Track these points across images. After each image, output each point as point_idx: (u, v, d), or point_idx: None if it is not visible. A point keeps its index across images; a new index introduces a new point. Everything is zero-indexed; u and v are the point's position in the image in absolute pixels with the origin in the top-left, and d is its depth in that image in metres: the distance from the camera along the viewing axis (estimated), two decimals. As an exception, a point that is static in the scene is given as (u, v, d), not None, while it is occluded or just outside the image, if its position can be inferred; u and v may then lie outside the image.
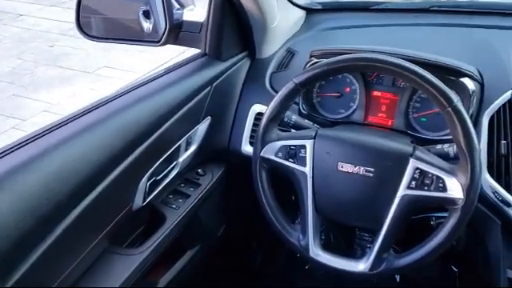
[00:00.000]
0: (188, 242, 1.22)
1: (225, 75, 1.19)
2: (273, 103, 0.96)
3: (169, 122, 1.02)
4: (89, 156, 0.83)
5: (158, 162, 1.02)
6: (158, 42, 1.15)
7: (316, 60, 1.10)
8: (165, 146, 1.03)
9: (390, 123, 1.12)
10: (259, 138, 0.97)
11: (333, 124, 1.12)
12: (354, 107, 1.16)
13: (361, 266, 0.91)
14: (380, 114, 1.14)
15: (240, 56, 1.25)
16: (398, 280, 1.67)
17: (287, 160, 0.96)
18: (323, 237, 1.81)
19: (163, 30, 1.12)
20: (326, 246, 1.47)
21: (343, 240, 1.66)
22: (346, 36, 1.34)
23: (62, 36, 4.35)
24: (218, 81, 1.16)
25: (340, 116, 1.17)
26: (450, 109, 0.82)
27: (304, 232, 0.95)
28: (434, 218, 1.05)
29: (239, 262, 1.66)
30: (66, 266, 0.85)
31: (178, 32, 1.18)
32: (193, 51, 1.23)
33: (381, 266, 0.89)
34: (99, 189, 0.86)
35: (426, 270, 1.63)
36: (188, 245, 1.23)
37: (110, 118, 0.90)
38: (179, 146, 1.08)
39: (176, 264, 1.18)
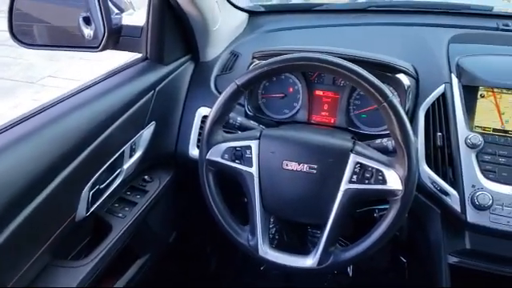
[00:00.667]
0: (138, 249, 1.20)
1: (168, 79, 1.18)
2: (216, 105, 0.96)
3: (110, 129, 0.99)
4: (24, 167, 0.80)
5: (101, 170, 0.99)
6: (97, 47, 1.12)
7: (258, 61, 1.12)
8: (107, 153, 1.01)
9: (332, 121, 1.15)
10: (204, 141, 0.97)
11: (278, 124, 1.13)
12: (298, 107, 1.18)
13: (309, 261, 0.92)
14: (323, 113, 1.16)
15: (183, 59, 1.24)
16: (350, 274, 1.71)
17: (233, 161, 0.96)
18: (277, 236, 1.83)
19: (102, 35, 1.10)
20: (280, 245, 1.49)
21: (296, 238, 1.68)
22: (288, 37, 1.36)
23: (1, 46, 4.17)
24: (160, 85, 1.15)
25: (285, 116, 1.19)
26: (385, 104, 0.85)
27: (253, 232, 0.95)
28: (377, 211, 1.08)
29: (194, 266, 1.64)
30: (6, 282, 0.81)
31: (117, 37, 1.15)
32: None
33: (328, 260, 0.91)
34: (38, 200, 0.82)
35: (377, 262, 1.68)
36: (138, 253, 1.20)
37: (46, 127, 0.87)
38: (123, 152, 1.06)
39: (127, 273, 1.16)
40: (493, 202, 0.96)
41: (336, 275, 1.77)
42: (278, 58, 0.90)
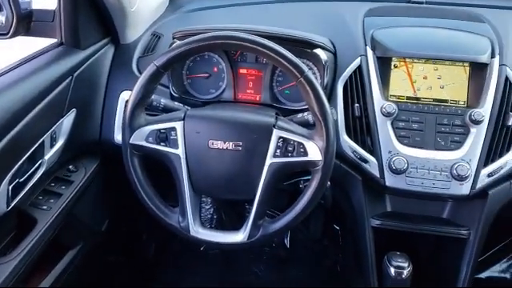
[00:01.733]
0: (68, 241, 1.17)
1: (86, 64, 1.14)
2: (135, 88, 0.94)
3: (26, 118, 0.95)
4: None
5: (20, 163, 0.95)
6: (7, 34, 1.06)
7: (178, 42, 1.10)
8: (25, 144, 0.96)
9: (258, 98, 1.17)
10: (126, 125, 0.95)
11: (205, 104, 1.14)
12: (224, 86, 1.18)
13: (239, 236, 0.94)
14: (248, 91, 1.18)
15: (102, 43, 1.20)
16: (288, 245, 1.78)
17: (158, 144, 0.96)
18: (215, 216, 1.86)
19: (11, 21, 1.04)
20: (219, 224, 1.51)
21: (235, 216, 1.71)
22: (210, 16, 1.35)
23: None
24: (79, 70, 1.11)
25: (211, 96, 1.19)
26: (301, 79, 0.87)
27: (183, 213, 0.96)
28: (302, 182, 1.12)
29: (132, 254, 1.62)
30: None
31: (28, 22, 1.10)
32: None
33: (257, 233, 0.93)
34: None
35: (312, 232, 1.75)
36: (69, 244, 1.17)
37: None
38: (43, 142, 1.02)
39: (57, 265, 1.13)
40: (408, 166, 1.03)
41: (274, 248, 1.83)
42: (196, 37, 0.90)
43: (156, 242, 1.67)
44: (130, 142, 0.95)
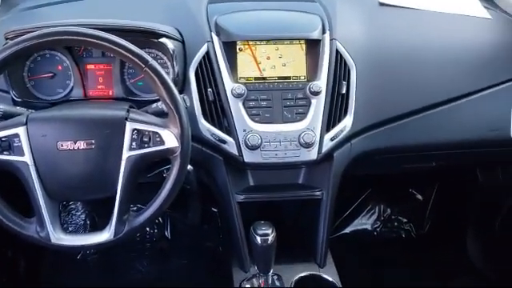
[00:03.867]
0: None
1: None
2: None
3: None
4: None
5: None
6: None
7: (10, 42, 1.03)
8: None
9: (110, 93, 1.15)
10: None
11: (53, 106, 1.08)
12: (72, 84, 1.14)
13: (105, 235, 0.93)
14: (99, 87, 1.15)
15: None
16: (169, 237, 1.79)
17: (1, 153, 0.89)
18: (88, 221, 1.78)
19: None
20: (93, 228, 1.45)
21: (108, 215, 1.66)
22: (46, 13, 1.27)
23: None
24: None
25: (59, 96, 1.14)
26: (146, 68, 0.88)
27: (41, 222, 0.91)
28: (165, 171, 1.14)
29: (3, 274, 1.50)
30: None
31: None
32: None
33: (124, 229, 0.93)
34: None
35: (191, 219, 1.78)
36: None
37: None
38: None
39: None
40: (262, 141, 1.10)
41: (155, 242, 1.83)
42: (23, 37, 0.85)
43: (25, 257, 1.56)
44: None
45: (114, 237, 0.92)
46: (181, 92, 1.10)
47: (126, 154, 0.91)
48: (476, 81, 1.24)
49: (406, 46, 1.27)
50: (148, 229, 1.85)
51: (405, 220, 1.95)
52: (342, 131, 1.15)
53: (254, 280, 1.10)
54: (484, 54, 1.28)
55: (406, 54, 1.25)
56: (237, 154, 1.11)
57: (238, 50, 1.17)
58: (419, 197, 1.96)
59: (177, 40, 1.14)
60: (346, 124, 1.15)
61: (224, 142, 1.11)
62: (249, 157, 1.11)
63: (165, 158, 0.94)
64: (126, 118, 0.92)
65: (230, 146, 1.11)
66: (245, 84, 1.14)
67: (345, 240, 1.89)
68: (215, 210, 1.80)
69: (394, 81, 1.22)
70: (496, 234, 1.65)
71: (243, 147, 1.10)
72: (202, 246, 1.82)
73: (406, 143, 1.22)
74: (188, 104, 1.01)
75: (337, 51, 1.17)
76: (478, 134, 1.23)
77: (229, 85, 1.12)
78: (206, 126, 1.12)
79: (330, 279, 1.13)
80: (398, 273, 1.71)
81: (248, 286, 1.10)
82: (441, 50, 1.28)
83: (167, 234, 1.83)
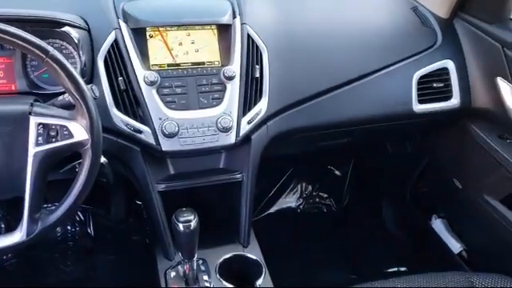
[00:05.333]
0: None
1: None
2: None
3: None
4: None
5: None
6: None
7: None
8: None
9: (13, 88, 1.08)
10: None
11: None
12: None
13: (16, 236, 0.88)
14: (0, 81, 1.07)
15: None
16: (93, 234, 1.73)
17: None
18: (3, 224, 1.67)
19: None
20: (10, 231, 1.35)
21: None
22: None
23: None
24: None
25: None
26: (47, 59, 0.83)
27: None
28: (77, 165, 1.09)
29: None
30: None
31: None
32: None
33: (36, 228, 0.88)
34: None
35: (114, 215, 1.74)
36: None
37: None
38: None
39: None
40: (179, 128, 1.09)
41: (78, 240, 1.76)
42: None
43: None
44: None
45: (27, 237, 0.88)
46: (89, 82, 1.06)
47: (32, 150, 0.86)
48: (381, 58, 1.32)
49: (315, 28, 1.32)
50: (69, 227, 1.78)
51: (325, 195, 2.05)
52: (258, 114, 1.17)
53: (179, 267, 1.10)
54: (387, 33, 1.37)
55: (316, 36, 1.30)
56: (154, 143, 1.09)
57: (148, 37, 1.14)
58: (337, 173, 2.06)
59: (81, 28, 1.09)
60: (262, 107, 1.17)
61: (140, 131, 1.09)
62: (167, 145, 1.09)
63: (75, 151, 0.91)
64: (30, 113, 0.87)
65: (147, 136, 1.09)
66: (158, 71, 1.12)
67: (270, 219, 1.95)
68: (139, 202, 1.77)
69: (306, 62, 1.26)
70: (407, 201, 1.79)
71: (160, 136, 1.09)
72: (129, 240, 1.79)
73: (320, 122, 1.27)
74: (97, 94, 0.97)
75: (248, 35, 1.18)
76: (384, 108, 1.31)
77: (140, 72, 1.10)
78: (119, 117, 1.09)
79: (254, 257, 1.16)
80: (321, 245, 1.80)
81: (173, 273, 1.10)
82: (348, 30, 1.34)
83: (90, 231, 1.77)
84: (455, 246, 1.56)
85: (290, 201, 2.02)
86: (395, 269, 1.68)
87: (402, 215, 1.86)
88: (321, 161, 2.03)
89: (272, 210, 1.99)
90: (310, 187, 2.05)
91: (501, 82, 1.25)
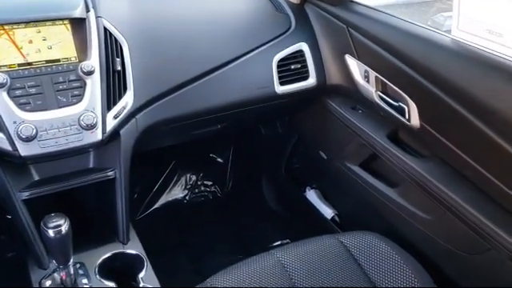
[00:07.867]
0: None
1: None
2: None
3: None
4: None
5: None
6: None
7: None
8: None
9: None
10: None
11: None
12: None
13: None
14: None
15: None
16: None
17: None
18: None
19: None
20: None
21: None
22: None
23: None
24: None
25: None
26: None
27: None
28: None
29: None
30: None
31: None
32: None
33: None
34: None
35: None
36: None
37: None
38: None
39: None
40: (37, 131, 1.03)
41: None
42: None
43: None
44: None
45: None
46: None
47: None
48: (242, 45, 1.38)
49: (175, 18, 1.33)
50: None
51: (210, 183, 2.09)
52: (124, 108, 1.15)
53: (55, 274, 1.05)
54: (245, 20, 1.43)
55: (177, 25, 1.32)
56: (10, 149, 1.02)
57: (-8, 37, 1.06)
58: (219, 160, 2.11)
59: None
60: (128, 100, 1.16)
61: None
62: (25, 150, 1.03)
63: None
64: None
65: (2, 142, 1.02)
66: (7, 72, 1.04)
67: (157, 215, 1.94)
68: (10, 216, 1.63)
69: (169, 53, 1.27)
70: (283, 177, 1.90)
71: (16, 140, 1.02)
72: (3, 257, 1.65)
73: (188, 111, 1.29)
74: None
75: (105, 29, 1.16)
76: (248, 93, 1.37)
77: None
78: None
79: (134, 252, 1.15)
80: (210, 231, 1.85)
81: (49, 282, 1.05)
82: (208, 19, 1.37)
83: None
84: (327, 212, 1.70)
85: (175, 193, 2.03)
86: (279, 242, 1.78)
87: (280, 191, 1.97)
88: (202, 150, 2.06)
89: (157, 205, 1.98)
90: (194, 177, 2.07)
91: (349, 59, 1.39)
